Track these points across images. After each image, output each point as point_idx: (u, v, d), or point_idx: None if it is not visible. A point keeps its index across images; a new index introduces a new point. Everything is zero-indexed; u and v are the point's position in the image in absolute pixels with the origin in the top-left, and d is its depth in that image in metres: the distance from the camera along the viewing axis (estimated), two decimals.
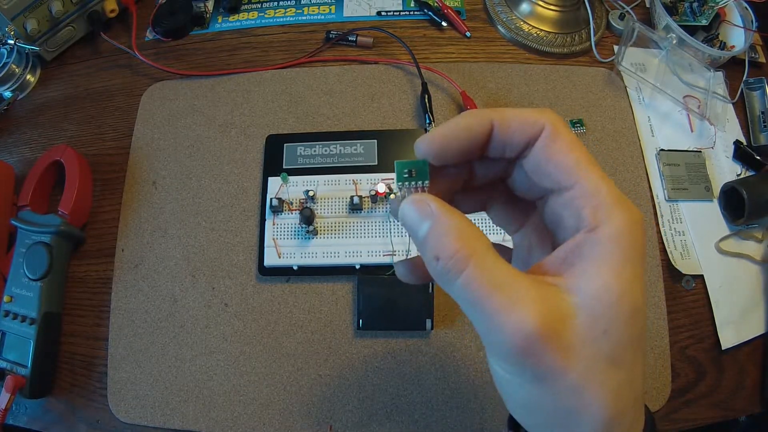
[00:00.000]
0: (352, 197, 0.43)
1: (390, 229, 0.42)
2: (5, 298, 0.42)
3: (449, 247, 0.17)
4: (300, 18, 0.55)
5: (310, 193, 0.43)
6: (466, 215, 0.18)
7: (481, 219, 0.42)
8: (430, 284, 0.41)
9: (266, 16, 0.56)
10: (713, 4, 0.51)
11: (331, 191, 0.44)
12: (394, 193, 0.42)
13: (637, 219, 0.17)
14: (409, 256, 0.42)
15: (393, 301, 0.41)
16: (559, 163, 0.18)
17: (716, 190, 0.47)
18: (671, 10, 0.52)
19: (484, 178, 0.22)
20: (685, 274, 0.43)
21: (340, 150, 0.46)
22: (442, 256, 0.17)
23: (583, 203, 0.18)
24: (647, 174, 0.47)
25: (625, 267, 0.17)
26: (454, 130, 0.19)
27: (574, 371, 0.16)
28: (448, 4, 0.55)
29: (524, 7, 0.54)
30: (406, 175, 0.19)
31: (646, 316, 0.41)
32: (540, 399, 0.17)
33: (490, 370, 0.19)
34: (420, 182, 0.19)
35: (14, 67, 0.52)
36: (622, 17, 0.54)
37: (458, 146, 0.19)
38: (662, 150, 0.48)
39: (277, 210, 0.43)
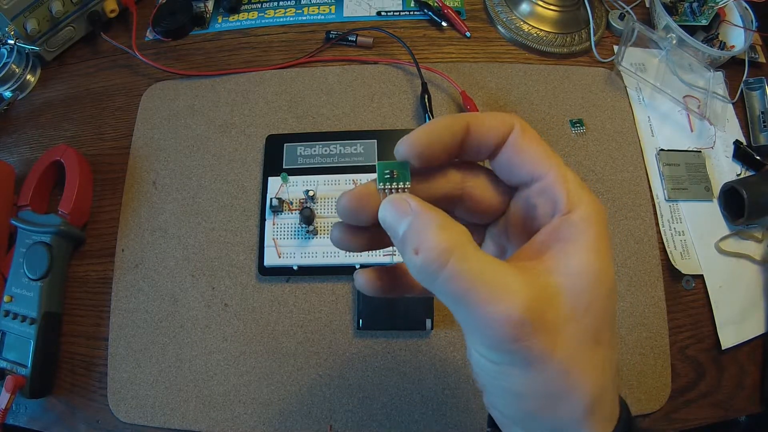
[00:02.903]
0: None
1: None
2: (5, 298, 0.42)
3: (430, 240, 0.17)
4: (300, 18, 0.55)
5: (310, 193, 0.43)
6: None
7: None
8: None
9: (266, 16, 0.56)
10: (713, 4, 0.51)
11: (331, 191, 0.44)
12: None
13: (600, 204, 0.19)
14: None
15: (393, 301, 0.41)
16: (533, 154, 0.19)
17: (716, 190, 0.47)
18: (671, 10, 0.52)
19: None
20: (685, 274, 0.43)
21: (340, 150, 0.46)
22: (422, 249, 0.17)
23: (557, 189, 0.19)
24: (647, 174, 0.47)
25: (600, 246, 0.18)
26: (432, 130, 0.19)
27: (561, 352, 0.17)
28: (448, 4, 0.55)
29: (524, 7, 0.54)
30: (388, 176, 0.19)
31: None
32: (528, 384, 0.17)
33: (471, 363, 0.19)
34: (401, 183, 0.19)
35: (14, 67, 0.52)
36: (622, 17, 0.54)
37: (438, 147, 0.19)
38: (662, 150, 0.48)
39: (277, 210, 0.43)
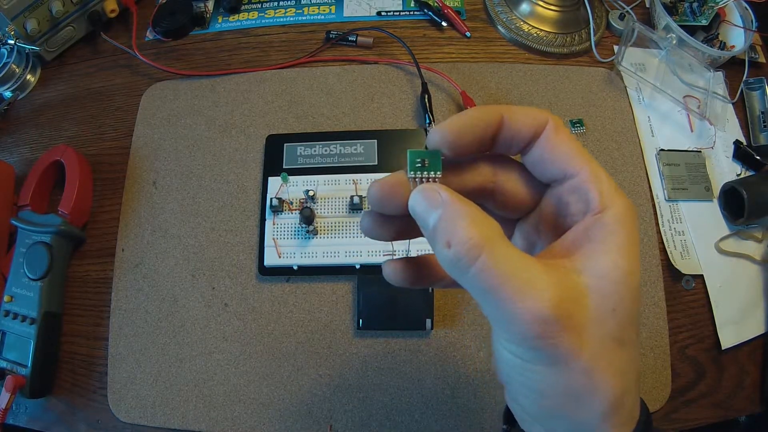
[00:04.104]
0: (352, 197, 0.43)
1: None
2: (5, 298, 0.42)
3: (462, 233, 0.17)
4: (300, 18, 0.55)
5: (310, 193, 0.43)
6: None
7: None
8: None
9: (266, 16, 0.56)
10: (713, 4, 0.51)
11: (331, 191, 0.44)
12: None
13: (633, 205, 0.19)
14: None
15: (393, 301, 0.41)
16: (565, 151, 0.19)
17: (716, 190, 0.47)
18: (671, 10, 0.52)
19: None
20: (685, 274, 0.43)
21: (340, 150, 0.46)
22: (454, 242, 0.17)
23: (590, 188, 0.19)
24: (647, 174, 0.47)
25: (630, 247, 0.18)
26: (466, 120, 0.19)
27: (587, 352, 0.17)
28: (448, 4, 0.55)
29: (524, 7, 0.54)
30: (419, 165, 0.19)
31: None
32: (552, 382, 0.17)
33: (495, 357, 0.19)
34: (432, 172, 0.19)
35: (14, 67, 0.52)
36: (622, 17, 0.54)
37: (471, 137, 0.19)
38: (662, 150, 0.48)
39: (277, 210, 0.43)
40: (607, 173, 0.19)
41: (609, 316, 0.17)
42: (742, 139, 0.49)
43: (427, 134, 0.20)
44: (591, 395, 0.17)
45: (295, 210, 0.44)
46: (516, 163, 0.21)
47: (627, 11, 0.54)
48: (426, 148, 0.20)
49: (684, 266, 0.44)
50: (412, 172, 0.19)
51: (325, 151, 0.46)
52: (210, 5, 0.57)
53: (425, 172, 0.19)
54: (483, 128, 0.19)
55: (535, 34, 0.53)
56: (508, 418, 0.22)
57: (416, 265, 0.22)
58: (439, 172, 0.19)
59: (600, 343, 0.17)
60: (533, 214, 0.22)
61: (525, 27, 0.53)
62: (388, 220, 0.21)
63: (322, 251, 0.42)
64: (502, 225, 0.22)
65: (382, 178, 0.20)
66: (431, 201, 0.18)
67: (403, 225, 0.21)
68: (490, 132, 0.19)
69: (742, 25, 0.51)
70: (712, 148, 0.48)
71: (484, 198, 0.21)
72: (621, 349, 0.17)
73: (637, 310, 0.18)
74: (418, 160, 0.19)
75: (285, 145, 0.47)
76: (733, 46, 0.51)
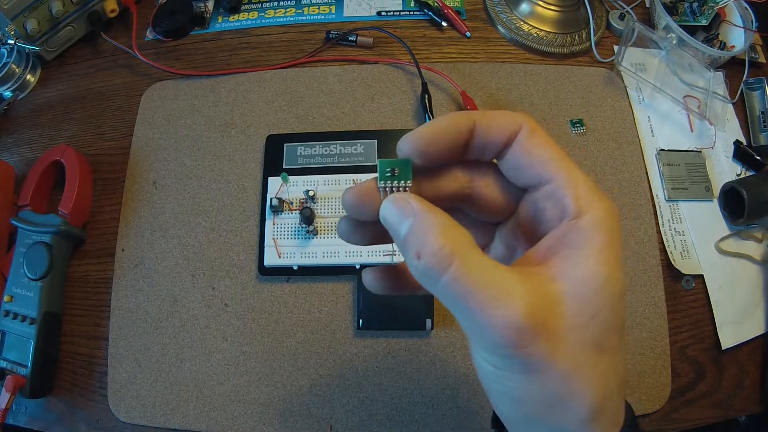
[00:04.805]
0: None
1: None
2: (5, 298, 0.42)
3: (432, 243, 0.17)
4: (300, 18, 0.55)
5: (310, 193, 0.43)
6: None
7: None
8: None
9: (266, 16, 0.56)
10: (713, 4, 0.51)
11: (331, 191, 0.44)
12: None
13: (614, 208, 0.18)
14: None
15: (393, 301, 0.41)
16: (540, 156, 0.19)
17: (716, 190, 0.47)
18: (671, 10, 0.52)
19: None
20: (685, 274, 0.43)
21: (340, 150, 0.46)
22: (424, 253, 0.17)
23: (565, 193, 0.18)
24: (647, 174, 0.47)
25: (609, 252, 0.17)
26: (437, 128, 0.19)
27: (563, 359, 0.16)
28: (448, 4, 0.55)
29: (524, 7, 0.54)
30: (389, 174, 0.19)
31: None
32: (528, 390, 0.17)
33: (474, 365, 0.19)
34: (402, 181, 0.19)
35: (14, 67, 0.52)
36: (622, 17, 0.54)
37: (442, 145, 0.19)
38: (662, 150, 0.48)
39: (277, 210, 0.43)
40: (585, 177, 0.18)
41: (588, 322, 0.17)
42: (742, 139, 0.49)
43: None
44: (569, 401, 0.17)
45: (295, 210, 0.44)
46: (494, 168, 0.21)
47: (627, 11, 0.54)
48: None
49: (684, 266, 0.44)
50: (382, 182, 0.19)
51: (325, 151, 0.46)
52: (210, 5, 0.57)
53: (395, 181, 0.19)
54: (454, 136, 0.19)
55: (535, 34, 0.53)
56: (496, 422, 0.22)
57: (395, 273, 0.22)
58: (409, 181, 0.19)
59: (578, 350, 0.17)
60: (512, 219, 0.21)
61: (525, 27, 0.53)
62: (364, 225, 0.21)
63: (322, 251, 0.42)
64: (483, 230, 0.22)
65: (356, 185, 0.20)
66: (401, 211, 0.18)
67: (379, 230, 0.21)
68: (461, 139, 0.19)
69: (742, 25, 0.51)
70: (712, 148, 0.48)
71: (461, 202, 0.21)
72: (601, 355, 0.17)
73: (621, 314, 0.18)
74: (388, 169, 0.19)
75: (285, 145, 0.47)
76: (733, 46, 0.51)
